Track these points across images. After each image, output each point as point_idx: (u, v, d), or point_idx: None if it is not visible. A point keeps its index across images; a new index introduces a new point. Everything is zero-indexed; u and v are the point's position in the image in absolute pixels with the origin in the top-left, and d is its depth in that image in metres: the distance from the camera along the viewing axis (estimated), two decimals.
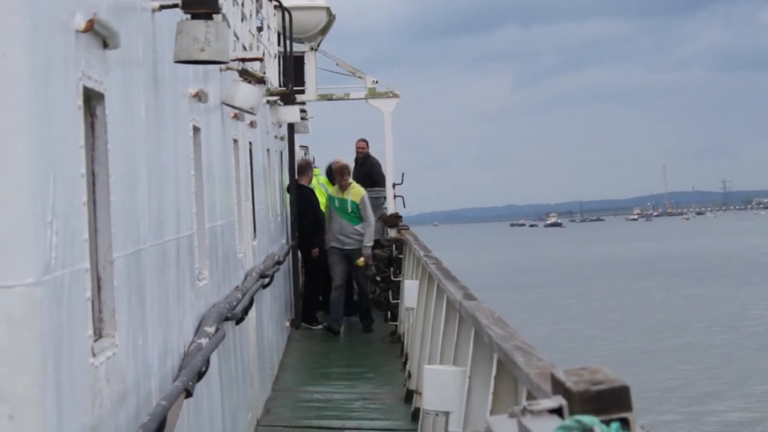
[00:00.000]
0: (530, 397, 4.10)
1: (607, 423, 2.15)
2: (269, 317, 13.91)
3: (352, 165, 18.89)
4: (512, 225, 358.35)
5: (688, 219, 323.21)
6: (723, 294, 53.70)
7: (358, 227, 17.22)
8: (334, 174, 17.52)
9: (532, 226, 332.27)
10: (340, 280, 17.34)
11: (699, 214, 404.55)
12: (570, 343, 36.68)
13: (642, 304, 50.06)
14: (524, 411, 2.34)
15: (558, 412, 2.30)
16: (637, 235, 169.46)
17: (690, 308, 47.73)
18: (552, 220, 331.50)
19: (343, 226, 17.24)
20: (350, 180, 17.55)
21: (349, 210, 17.23)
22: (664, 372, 30.98)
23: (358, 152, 19.50)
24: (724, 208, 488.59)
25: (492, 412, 5.36)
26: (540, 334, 37.21)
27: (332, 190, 17.54)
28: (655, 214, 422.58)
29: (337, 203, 17.32)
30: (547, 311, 48.75)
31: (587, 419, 2.11)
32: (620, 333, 39.66)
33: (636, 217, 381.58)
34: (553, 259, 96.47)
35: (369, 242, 17.29)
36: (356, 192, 17.36)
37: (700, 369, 31.38)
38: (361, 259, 17.32)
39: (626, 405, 2.25)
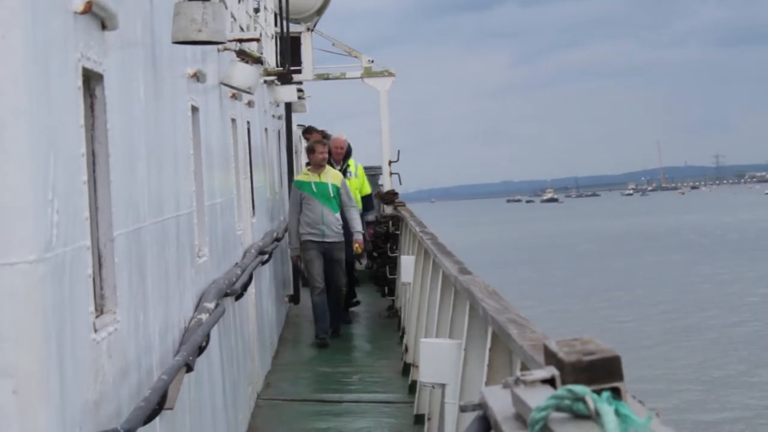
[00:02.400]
0: (524, 368, 4.16)
1: (599, 392, 2.18)
2: (268, 293, 13.97)
3: (354, 148, 18.51)
4: (509, 201, 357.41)
5: (683, 193, 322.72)
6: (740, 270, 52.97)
7: (337, 216, 14.92)
8: (314, 146, 15.19)
9: (528, 201, 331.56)
10: (321, 281, 14.91)
11: (693, 188, 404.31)
12: (578, 321, 36.48)
13: (651, 281, 49.56)
14: (517, 381, 2.35)
15: (551, 382, 2.32)
16: (636, 210, 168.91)
17: (701, 286, 47.08)
18: (549, 195, 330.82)
19: (324, 214, 14.80)
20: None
21: (331, 194, 14.87)
22: (665, 347, 30.99)
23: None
24: (717, 182, 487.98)
25: (487, 384, 5.41)
26: (543, 310, 37.13)
27: (305, 175, 15.14)
28: (650, 189, 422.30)
29: (314, 188, 14.82)
30: (554, 287, 48.36)
31: (579, 389, 2.13)
32: (633, 311, 39.38)
33: (631, 191, 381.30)
34: (556, 235, 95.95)
35: (359, 227, 15.23)
36: (335, 174, 15.15)
37: (713, 348, 31.23)
38: (356, 245, 15.21)
39: (617, 375, 2.25)
